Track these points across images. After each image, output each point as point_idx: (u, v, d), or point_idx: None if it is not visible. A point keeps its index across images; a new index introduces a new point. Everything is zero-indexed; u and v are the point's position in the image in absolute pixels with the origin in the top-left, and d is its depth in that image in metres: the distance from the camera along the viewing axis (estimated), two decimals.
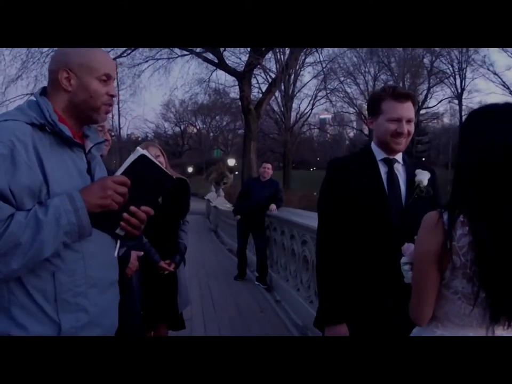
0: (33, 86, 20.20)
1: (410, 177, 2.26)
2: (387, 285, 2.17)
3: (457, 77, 45.61)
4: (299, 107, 44.02)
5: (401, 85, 42.57)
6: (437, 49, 37.00)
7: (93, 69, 1.60)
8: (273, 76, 24.10)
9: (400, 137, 2.20)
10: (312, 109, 44.04)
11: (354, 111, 48.28)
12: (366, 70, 43.67)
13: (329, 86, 38.75)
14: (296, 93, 40.66)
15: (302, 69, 32.47)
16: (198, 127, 63.36)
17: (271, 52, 21.57)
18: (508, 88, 40.81)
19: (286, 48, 20.01)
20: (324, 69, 31.59)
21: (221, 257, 11.19)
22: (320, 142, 61.86)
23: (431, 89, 46.48)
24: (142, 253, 2.98)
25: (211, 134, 62.18)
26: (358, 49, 26.36)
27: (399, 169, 2.29)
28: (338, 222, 2.24)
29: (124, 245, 1.83)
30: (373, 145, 2.33)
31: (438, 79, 45.40)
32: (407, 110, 2.20)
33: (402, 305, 2.20)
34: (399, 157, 2.30)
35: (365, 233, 2.20)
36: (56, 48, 1.74)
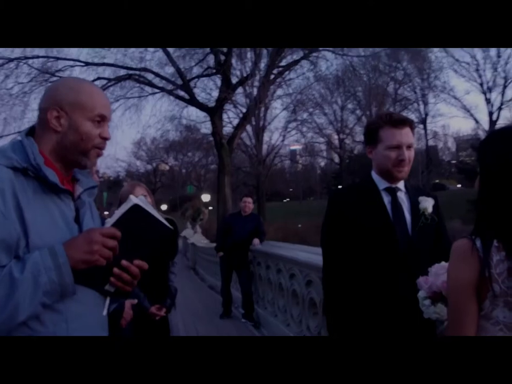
0: (1, 129, 19.81)
1: (414, 205, 2.21)
2: (399, 317, 2.10)
3: (420, 102, 46.95)
4: (270, 139, 44.44)
5: (368, 113, 43.56)
6: (399, 77, 37.94)
7: (85, 108, 1.47)
8: (244, 110, 24.34)
9: (402, 164, 2.16)
10: (283, 140, 44.45)
11: (324, 140, 48.93)
12: (333, 100, 44.52)
13: (299, 118, 39.36)
14: (267, 126, 41.13)
15: (272, 102, 32.80)
16: (170, 164, 63.14)
17: (241, 87, 21.80)
18: (469, 111, 42.04)
19: (256, 82, 20.22)
20: (294, 101, 32.07)
21: (203, 296, 10.97)
22: (292, 173, 62.25)
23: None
24: (136, 300, 2.83)
25: (183, 170, 61.96)
26: (324, 80, 26.84)
27: (402, 197, 2.25)
28: (345, 256, 2.17)
29: (115, 302, 1.67)
30: (374, 175, 2.27)
31: (402, 106, 46.45)
32: (406, 136, 2.17)
33: (414, 334, 2.14)
34: (401, 185, 2.26)
35: (373, 265, 2.13)
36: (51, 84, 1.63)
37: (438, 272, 1.82)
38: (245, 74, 21.32)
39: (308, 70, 23.07)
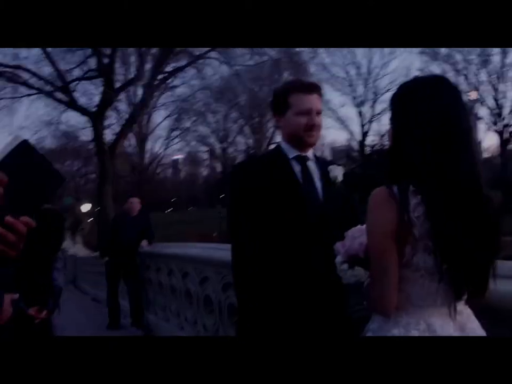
0: None
1: (324, 174, 2.16)
2: (316, 287, 2.03)
3: None
4: (153, 148, 43.66)
5: (250, 122, 44.56)
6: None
7: None
8: (126, 116, 23.64)
9: (312, 129, 2.10)
10: (166, 149, 43.92)
11: (207, 149, 49.19)
12: (216, 109, 44.92)
13: (182, 126, 39.08)
14: (150, 134, 40.38)
15: (155, 110, 32.26)
16: None
17: (124, 92, 21.15)
18: (343, 122, 44.57)
19: (140, 88, 19.73)
20: (178, 109, 31.81)
21: (88, 309, 10.24)
22: (175, 183, 61.64)
23: (276, 129, 49.16)
24: (18, 295, 2.42)
25: None
26: (209, 89, 27.12)
27: (313, 166, 2.18)
28: (254, 230, 2.03)
29: None
30: (283, 144, 2.19)
31: None
32: (316, 101, 2.12)
33: (333, 307, 2.09)
34: (310, 154, 2.20)
35: (285, 237, 2.02)
36: None
37: (355, 235, 1.80)
38: (128, 78, 20.68)
39: (192, 77, 23.00)
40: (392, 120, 1.56)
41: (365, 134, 43.16)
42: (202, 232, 29.12)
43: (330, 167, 2.18)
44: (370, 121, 44.48)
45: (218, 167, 52.81)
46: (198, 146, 47.32)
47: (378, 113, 44.55)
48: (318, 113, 2.12)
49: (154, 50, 18.94)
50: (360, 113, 44.54)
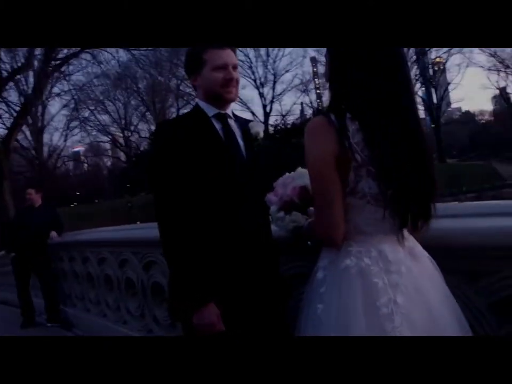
0: None
1: (245, 131, 2.16)
2: (249, 246, 2.01)
3: None
4: (51, 140, 41.52)
5: (152, 109, 43.65)
6: (182, 73, 38.73)
7: None
8: (17, 108, 22.20)
9: (230, 84, 2.08)
10: (65, 140, 41.94)
11: (109, 139, 47.63)
12: (116, 97, 43.50)
13: (80, 116, 37.43)
14: (47, 125, 38.29)
15: (50, 99, 30.56)
16: None
17: (12, 82, 19.78)
18: (245, 104, 44.96)
19: (30, 77, 18.55)
20: (75, 98, 30.34)
21: None
22: (78, 175, 59.08)
23: (179, 112, 48.55)
24: None
25: None
26: (106, 76, 26.07)
27: (233, 124, 2.16)
28: (178, 192, 1.97)
29: None
30: (201, 103, 2.15)
31: (185, 101, 47.56)
32: (231, 56, 2.10)
33: (270, 263, 2.11)
34: (230, 111, 2.18)
35: (211, 197, 1.99)
36: None
37: (286, 182, 1.83)
38: (16, 67, 19.35)
39: (88, 64, 21.99)
40: (329, 50, 1.57)
41: (267, 115, 43.92)
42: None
43: (251, 124, 2.18)
44: (272, 102, 45.43)
45: (122, 156, 51.35)
46: (99, 136, 45.63)
47: (279, 94, 45.63)
48: (234, 67, 2.10)
49: None
50: (261, 95, 45.30)
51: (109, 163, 57.85)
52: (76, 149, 53.73)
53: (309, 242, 1.68)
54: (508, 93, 52.12)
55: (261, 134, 2.16)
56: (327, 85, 1.59)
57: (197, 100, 2.19)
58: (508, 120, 52.12)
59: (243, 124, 2.20)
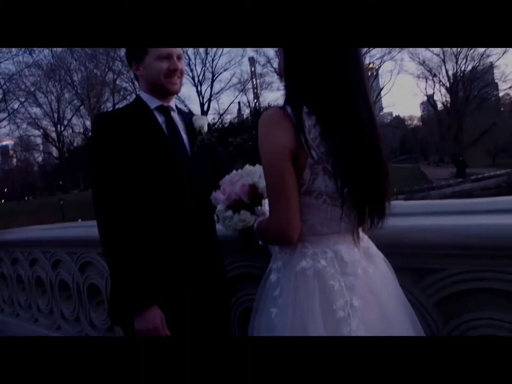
0: None
1: (189, 124, 2.09)
2: (192, 245, 1.96)
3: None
4: None
5: (86, 103, 42.34)
6: (119, 67, 37.84)
7: None
8: None
9: (174, 75, 2.00)
10: None
11: (40, 133, 45.82)
12: (48, 89, 41.83)
13: (9, 108, 35.66)
14: None
15: None
16: None
17: None
18: (183, 102, 44.63)
19: None
20: (3, 87, 28.86)
21: None
22: (6, 171, 56.45)
23: (115, 107, 47.43)
24: None
25: None
26: (39, 66, 24.99)
27: (176, 117, 2.08)
28: (118, 187, 1.87)
29: None
30: (143, 94, 2.05)
31: (121, 96, 46.53)
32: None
33: (213, 263, 2.07)
34: (173, 104, 2.10)
35: (153, 193, 1.90)
36: None
37: (233, 180, 1.78)
38: None
39: (19, 52, 20.99)
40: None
41: (205, 113, 43.82)
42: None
43: (195, 117, 2.11)
44: (210, 100, 45.39)
45: (55, 151, 49.53)
46: (30, 129, 43.74)
47: (217, 93, 45.65)
48: (179, 58, 2.02)
49: None
50: (199, 93, 45.14)
51: (40, 158, 55.68)
52: (4, 143, 51.26)
53: (260, 242, 1.64)
54: (435, 100, 54.89)
55: (205, 128, 2.10)
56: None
57: (138, 91, 2.10)
58: (434, 126, 54.90)
59: (186, 117, 2.12)
